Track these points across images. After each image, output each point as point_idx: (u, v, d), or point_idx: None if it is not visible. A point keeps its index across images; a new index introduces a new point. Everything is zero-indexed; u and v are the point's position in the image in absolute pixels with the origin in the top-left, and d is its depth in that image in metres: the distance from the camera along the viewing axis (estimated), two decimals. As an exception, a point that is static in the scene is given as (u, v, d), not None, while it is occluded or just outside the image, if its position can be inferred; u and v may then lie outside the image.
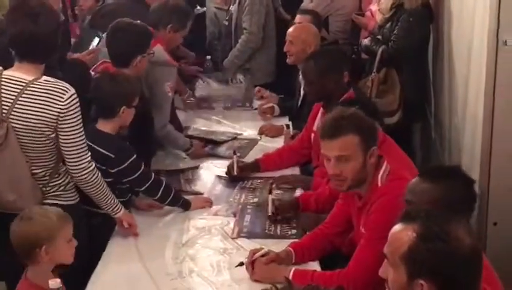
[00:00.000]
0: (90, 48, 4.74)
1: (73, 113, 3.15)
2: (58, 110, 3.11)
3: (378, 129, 3.25)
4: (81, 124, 3.20)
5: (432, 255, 1.97)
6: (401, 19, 5.06)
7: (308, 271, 3.03)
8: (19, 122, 3.14)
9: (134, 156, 3.53)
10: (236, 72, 5.99)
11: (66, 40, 5.06)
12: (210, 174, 4.27)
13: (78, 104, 3.17)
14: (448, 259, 1.96)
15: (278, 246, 3.25)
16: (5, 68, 3.25)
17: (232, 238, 3.42)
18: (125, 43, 3.98)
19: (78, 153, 3.21)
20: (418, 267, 1.99)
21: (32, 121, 3.13)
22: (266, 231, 3.49)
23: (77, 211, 3.30)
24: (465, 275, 1.98)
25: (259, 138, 4.89)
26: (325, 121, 3.13)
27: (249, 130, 5.05)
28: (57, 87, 3.14)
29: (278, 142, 4.72)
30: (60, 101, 3.11)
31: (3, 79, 3.19)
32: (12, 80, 3.17)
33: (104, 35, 4.29)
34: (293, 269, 3.02)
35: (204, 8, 6.80)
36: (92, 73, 4.15)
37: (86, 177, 3.26)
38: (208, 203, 3.82)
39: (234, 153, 4.21)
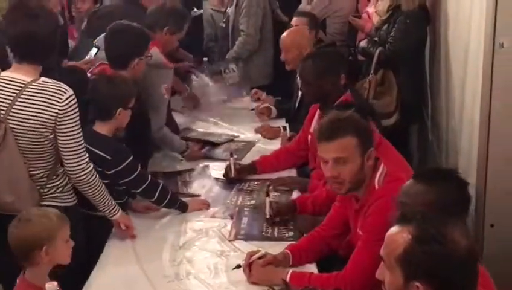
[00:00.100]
0: (88, 57, 4.73)
1: (72, 114, 3.15)
2: (57, 111, 3.12)
3: (374, 131, 3.25)
4: (79, 125, 3.21)
5: (428, 258, 1.97)
6: (398, 20, 5.07)
7: (305, 273, 3.03)
8: (17, 123, 3.14)
9: (131, 157, 3.54)
10: (228, 62, 5.99)
11: (64, 42, 5.06)
12: (207, 176, 4.27)
13: (77, 105, 3.17)
14: (444, 261, 1.96)
15: (275, 248, 3.25)
16: (3, 70, 3.25)
17: (229, 241, 3.42)
18: (123, 45, 3.98)
19: (76, 154, 3.21)
20: (413, 269, 1.99)
21: (31, 122, 3.13)
22: (263, 233, 3.49)
23: (75, 213, 3.30)
24: (461, 278, 1.99)
25: (256, 140, 4.89)
26: (321, 124, 3.13)
27: (246, 132, 5.05)
28: (55, 89, 3.14)
29: (275, 145, 4.72)
30: (58, 102, 3.12)
31: (1, 80, 3.19)
32: (11, 81, 3.18)
33: (102, 45, 4.29)
34: (291, 271, 3.02)
35: (201, 11, 6.81)
36: (89, 75, 4.15)
37: (84, 179, 3.26)
38: (205, 205, 3.82)
39: (231, 155, 4.21)
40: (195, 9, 6.71)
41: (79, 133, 3.21)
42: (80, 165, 3.23)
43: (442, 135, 4.66)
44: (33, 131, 3.15)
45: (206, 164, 4.45)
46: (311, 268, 3.16)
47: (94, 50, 4.54)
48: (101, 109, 3.59)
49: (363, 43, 5.39)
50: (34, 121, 3.13)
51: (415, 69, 5.20)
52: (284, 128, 4.91)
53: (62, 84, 3.18)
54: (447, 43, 4.56)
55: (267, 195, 3.62)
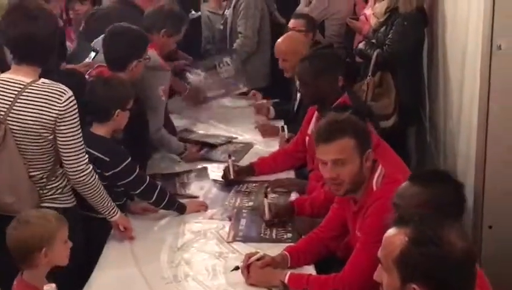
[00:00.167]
0: (86, 60, 4.73)
1: (72, 115, 3.16)
2: (57, 112, 3.12)
3: (371, 133, 3.26)
4: (79, 126, 3.22)
5: (425, 259, 1.97)
6: (396, 22, 5.07)
7: (303, 275, 3.04)
8: (17, 124, 3.15)
9: (129, 159, 3.54)
10: (222, 56, 5.98)
11: (62, 44, 5.06)
12: (205, 178, 4.27)
13: (76, 106, 3.18)
14: (441, 263, 1.96)
15: (274, 250, 3.25)
16: (2, 71, 3.26)
17: (228, 242, 3.42)
18: (122, 47, 3.99)
19: (76, 155, 3.22)
20: (410, 271, 1.99)
21: (30, 123, 3.14)
22: (262, 234, 3.49)
23: (74, 214, 3.31)
24: (458, 279, 1.98)
25: (254, 141, 4.89)
26: (319, 126, 3.13)
27: (244, 133, 5.06)
28: (55, 89, 3.14)
29: (273, 146, 4.72)
30: (58, 103, 3.12)
31: (0, 81, 3.20)
32: (10, 82, 3.18)
33: (100, 47, 4.29)
34: (289, 273, 3.02)
35: (199, 13, 6.81)
36: (87, 77, 4.15)
37: (83, 180, 3.26)
38: (203, 207, 3.82)
39: (229, 157, 4.21)
40: (193, 12, 6.71)
41: (79, 134, 3.21)
42: (79, 166, 3.23)
43: (440, 137, 4.66)
44: (33, 132, 3.15)
45: (204, 165, 4.45)
46: (310, 270, 3.17)
47: (92, 54, 4.54)
48: (98, 111, 3.59)
49: (361, 45, 5.39)
50: (33, 122, 3.13)
51: (413, 71, 5.20)
52: (283, 128, 4.91)
53: (62, 85, 3.18)
54: (445, 45, 4.56)
55: (265, 197, 3.62)
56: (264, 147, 4.79)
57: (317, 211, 3.59)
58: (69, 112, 3.14)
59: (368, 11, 5.76)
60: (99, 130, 3.58)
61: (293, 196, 3.89)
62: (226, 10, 6.32)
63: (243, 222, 3.62)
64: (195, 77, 5.71)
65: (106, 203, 3.39)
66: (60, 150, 3.20)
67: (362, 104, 4.61)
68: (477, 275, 2.07)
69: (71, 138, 3.18)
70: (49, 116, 3.12)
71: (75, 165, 3.23)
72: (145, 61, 4.07)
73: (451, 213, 2.48)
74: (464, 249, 1.98)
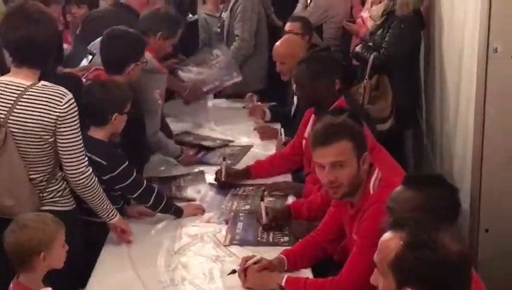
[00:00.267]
0: (83, 63, 4.73)
1: (72, 118, 3.16)
2: (57, 114, 3.12)
3: (367, 136, 3.26)
4: (79, 129, 3.22)
5: (419, 263, 1.97)
6: (393, 25, 5.08)
7: (300, 278, 3.04)
8: (17, 127, 3.15)
9: (126, 162, 3.54)
10: (212, 49, 5.97)
11: (59, 47, 5.06)
12: (202, 181, 4.26)
13: (76, 108, 3.18)
14: (436, 267, 1.96)
15: (271, 253, 3.25)
16: (1, 74, 3.26)
17: (225, 246, 3.42)
18: (120, 50, 3.99)
19: (76, 157, 3.22)
20: (405, 275, 1.99)
21: (31, 125, 3.14)
22: (258, 238, 3.49)
23: (74, 217, 3.32)
24: (453, 283, 1.99)
25: (251, 144, 4.89)
26: (315, 130, 3.14)
27: (241, 137, 5.05)
28: (55, 92, 3.15)
29: (270, 150, 4.72)
30: (58, 105, 3.12)
31: (0, 84, 3.20)
32: (10, 85, 3.18)
33: (96, 50, 4.29)
34: (286, 276, 3.02)
35: (196, 16, 6.81)
36: (84, 80, 4.15)
37: (83, 182, 3.26)
38: (200, 210, 3.82)
39: (224, 159, 4.20)
40: (190, 15, 6.71)
41: (79, 136, 3.21)
42: (79, 168, 3.23)
43: (437, 139, 4.67)
44: (33, 134, 3.15)
45: (201, 169, 4.45)
46: (307, 273, 3.17)
47: (89, 57, 4.54)
48: (95, 114, 3.59)
49: (357, 48, 5.40)
50: (34, 125, 3.14)
51: (410, 74, 5.21)
52: (280, 132, 4.91)
53: (62, 87, 3.19)
54: (441, 47, 4.57)
55: (262, 200, 3.62)
56: (261, 150, 4.79)
57: (314, 214, 3.59)
58: (69, 115, 3.14)
59: (364, 14, 5.76)
60: (97, 133, 3.58)
61: (290, 200, 3.89)
62: (223, 13, 6.32)
63: (240, 225, 3.62)
64: (187, 73, 5.70)
65: (105, 206, 3.39)
66: (60, 152, 3.21)
67: (358, 107, 4.61)
68: (473, 279, 2.07)
69: (71, 140, 3.19)
70: (49, 118, 3.12)
71: (75, 167, 3.23)
72: (142, 65, 4.07)
73: (446, 217, 2.48)
74: (459, 252, 1.98)
